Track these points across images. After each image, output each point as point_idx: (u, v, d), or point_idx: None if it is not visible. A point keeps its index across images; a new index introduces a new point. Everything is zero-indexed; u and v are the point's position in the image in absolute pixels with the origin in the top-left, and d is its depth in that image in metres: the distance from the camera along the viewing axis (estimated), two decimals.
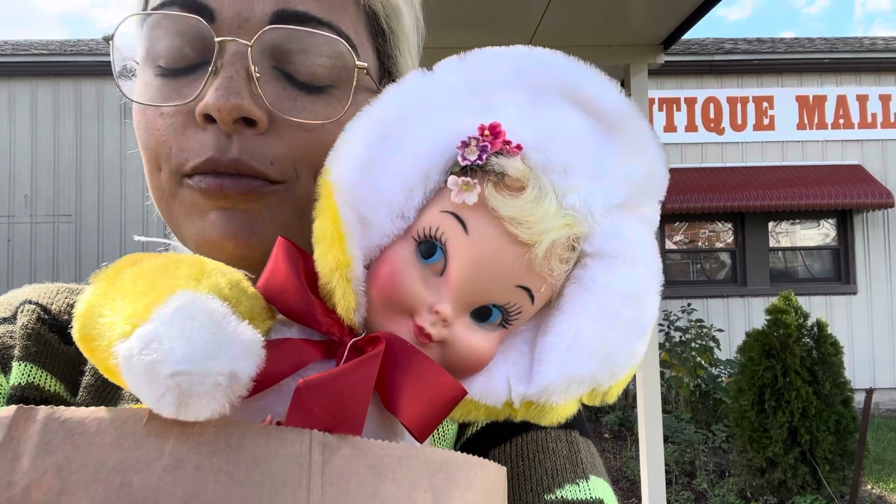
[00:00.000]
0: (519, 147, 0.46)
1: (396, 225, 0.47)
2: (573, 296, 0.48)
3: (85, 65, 9.90)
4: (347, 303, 0.45)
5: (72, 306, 0.69)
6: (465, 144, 0.46)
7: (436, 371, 0.44)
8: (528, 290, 0.47)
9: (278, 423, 0.40)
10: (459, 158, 0.46)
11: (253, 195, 0.58)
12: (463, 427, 0.65)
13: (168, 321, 0.36)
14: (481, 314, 0.47)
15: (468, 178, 0.45)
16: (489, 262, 0.45)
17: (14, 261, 9.93)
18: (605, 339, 0.46)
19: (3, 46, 10.62)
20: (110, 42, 0.62)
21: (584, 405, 0.50)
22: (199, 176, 0.57)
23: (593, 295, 0.47)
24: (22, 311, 0.68)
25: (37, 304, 0.68)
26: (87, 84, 9.99)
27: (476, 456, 0.43)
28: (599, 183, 0.48)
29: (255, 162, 0.57)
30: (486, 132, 0.45)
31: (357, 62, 0.60)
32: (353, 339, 0.45)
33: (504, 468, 0.46)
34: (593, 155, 0.48)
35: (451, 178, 0.45)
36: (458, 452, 0.42)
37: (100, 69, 9.68)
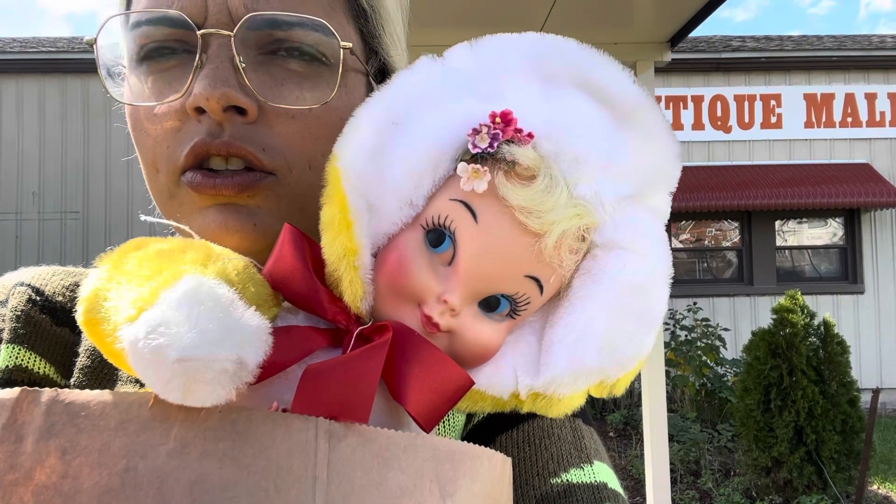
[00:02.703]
0: (530, 135, 0.45)
1: (405, 213, 0.47)
2: (582, 287, 0.47)
3: (93, 62, 9.87)
4: (354, 291, 0.45)
5: (67, 288, 0.69)
6: (475, 132, 0.45)
7: (443, 361, 0.44)
8: (537, 280, 0.46)
9: (284, 411, 0.40)
10: (470, 146, 0.45)
11: (248, 191, 0.57)
12: (470, 414, 0.65)
13: (175, 306, 0.36)
14: (489, 304, 0.47)
15: (478, 166, 0.44)
16: (498, 252, 0.45)
17: (22, 257, 9.96)
18: (614, 330, 0.46)
19: (12, 44, 10.66)
20: (93, 45, 0.61)
21: (589, 400, 0.50)
22: (190, 172, 0.57)
23: (603, 286, 0.47)
24: (13, 294, 0.67)
25: (28, 285, 0.68)
26: (95, 81, 10.00)
27: (482, 446, 0.43)
28: (611, 173, 0.47)
29: (247, 145, 0.56)
30: (498, 119, 0.45)
31: (342, 42, 0.60)
32: (360, 328, 0.45)
33: (509, 459, 0.46)
34: (605, 144, 0.48)
35: (461, 166, 0.45)
36: (465, 442, 0.42)
37: None
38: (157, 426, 0.36)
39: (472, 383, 0.45)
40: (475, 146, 0.45)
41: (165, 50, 0.58)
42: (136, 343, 0.35)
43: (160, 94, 0.58)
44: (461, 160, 0.46)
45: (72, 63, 10.08)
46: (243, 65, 0.56)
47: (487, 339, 0.47)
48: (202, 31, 0.56)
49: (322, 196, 0.47)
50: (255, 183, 0.57)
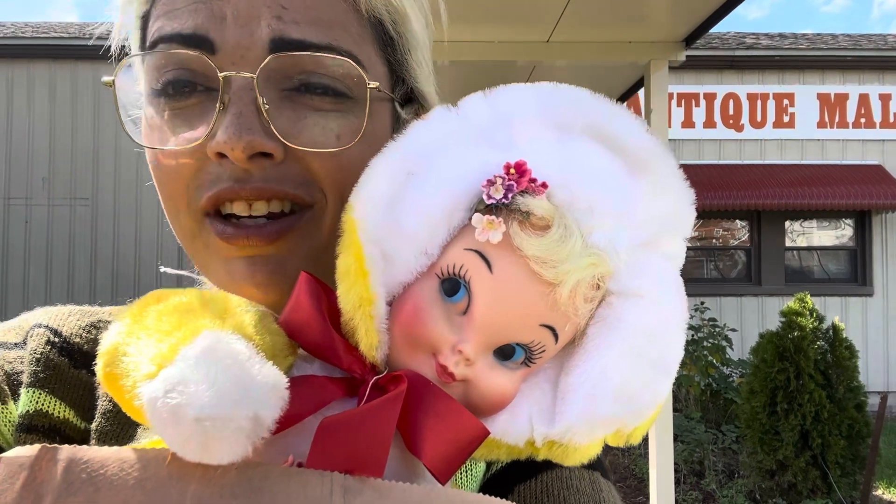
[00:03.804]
0: (544, 185, 0.45)
1: (420, 262, 0.47)
2: (597, 335, 0.47)
3: (103, 49, 9.87)
4: (370, 340, 0.45)
5: (84, 328, 0.69)
6: (490, 183, 0.45)
7: (458, 411, 0.44)
8: (552, 328, 0.46)
9: (300, 464, 0.40)
10: (485, 197, 0.45)
11: (281, 239, 0.56)
12: (489, 463, 0.65)
13: (193, 363, 0.36)
14: (504, 353, 0.47)
15: (493, 217, 0.44)
16: (513, 301, 0.45)
17: (31, 243, 10.02)
18: (630, 379, 0.46)
19: (24, 29, 10.68)
20: (112, 87, 0.60)
21: None
22: (220, 223, 0.56)
23: (618, 334, 0.47)
24: (31, 336, 0.66)
25: (47, 327, 0.67)
26: (106, 67, 9.97)
27: (500, 496, 0.43)
28: (625, 221, 0.47)
29: (280, 185, 0.56)
30: (512, 170, 0.45)
31: (369, 82, 0.58)
32: (376, 377, 0.45)
33: None
34: (619, 193, 0.48)
35: (476, 216, 0.45)
36: (480, 495, 0.42)
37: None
38: (175, 484, 0.36)
39: (488, 433, 0.45)
40: (490, 197, 0.45)
41: (184, 85, 0.57)
42: (155, 402, 0.35)
43: (178, 132, 0.57)
44: (476, 210, 0.46)
45: (83, 49, 10.06)
46: (266, 106, 0.55)
47: (503, 387, 0.47)
48: (225, 73, 0.54)
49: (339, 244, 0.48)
50: (287, 229, 0.57)
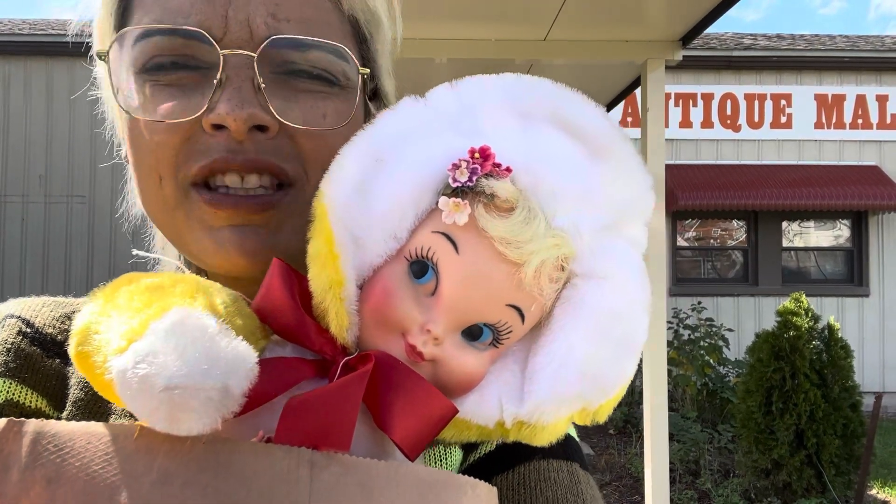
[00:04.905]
0: (508, 169, 0.47)
1: (389, 245, 0.48)
2: (563, 316, 0.48)
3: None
4: (340, 322, 0.46)
5: (57, 319, 0.68)
6: (455, 166, 0.46)
7: (427, 389, 0.45)
8: (518, 309, 0.47)
9: (268, 440, 0.40)
10: (450, 180, 0.47)
11: (270, 210, 0.58)
12: (466, 452, 0.65)
13: (163, 336, 0.37)
14: (472, 333, 0.48)
15: (459, 199, 0.46)
16: (480, 281, 0.46)
17: (28, 240, 10.01)
18: (594, 358, 0.47)
19: (21, 25, 10.67)
20: (105, 58, 0.61)
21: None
22: (207, 192, 0.57)
23: (582, 314, 0.48)
24: (3, 326, 0.66)
25: (19, 317, 0.67)
26: (104, 65, 9.96)
27: (468, 476, 0.43)
28: (587, 205, 0.49)
29: (271, 157, 0.57)
30: (477, 154, 0.46)
31: (360, 69, 0.62)
32: (346, 358, 0.46)
33: (495, 489, 0.46)
34: (580, 177, 0.49)
35: (443, 200, 0.46)
36: (449, 472, 0.43)
37: None
38: (142, 457, 0.36)
39: (456, 411, 0.46)
40: (455, 180, 0.46)
41: (173, 63, 0.58)
42: (125, 373, 0.36)
43: (168, 106, 0.57)
44: (443, 194, 0.47)
45: (80, 46, 10.04)
46: (263, 84, 0.57)
47: (471, 367, 0.48)
48: (225, 51, 0.56)
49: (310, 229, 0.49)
50: (275, 203, 0.58)
